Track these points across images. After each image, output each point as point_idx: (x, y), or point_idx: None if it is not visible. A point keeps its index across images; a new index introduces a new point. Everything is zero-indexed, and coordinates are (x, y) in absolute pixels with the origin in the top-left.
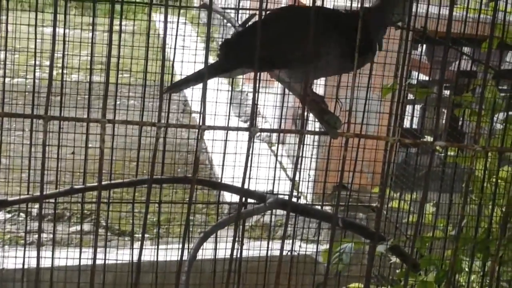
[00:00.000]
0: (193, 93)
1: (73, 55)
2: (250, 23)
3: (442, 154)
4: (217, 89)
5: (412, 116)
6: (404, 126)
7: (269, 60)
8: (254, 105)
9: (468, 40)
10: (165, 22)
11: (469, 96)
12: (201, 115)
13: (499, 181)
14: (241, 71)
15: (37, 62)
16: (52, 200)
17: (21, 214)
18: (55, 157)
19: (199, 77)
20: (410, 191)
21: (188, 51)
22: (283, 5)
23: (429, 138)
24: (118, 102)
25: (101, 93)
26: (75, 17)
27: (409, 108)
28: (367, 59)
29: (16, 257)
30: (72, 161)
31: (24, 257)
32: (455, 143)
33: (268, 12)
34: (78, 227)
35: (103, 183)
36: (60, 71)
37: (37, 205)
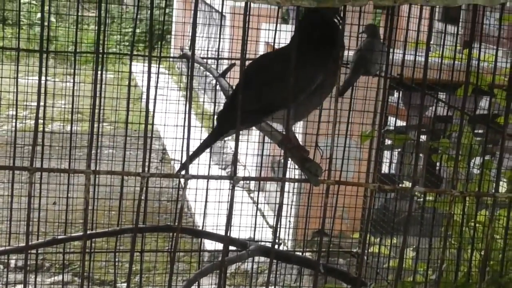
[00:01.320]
0: (169, 142)
1: (53, 106)
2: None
3: (421, 199)
4: (194, 138)
5: (390, 162)
6: (382, 172)
7: (258, 112)
8: (236, 154)
9: (443, 87)
10: (149, 74)
11: (445, 141)
12: (186, 164)
13: (477, 225)
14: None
15: (13, 113)
16: (34, 251)
17: None
18: (36, 208)
19: (205, 146)
20: (390, 236)
21: (166, 100)
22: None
23: (407, 184)
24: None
25: (81, 143)
26: (54, 68)
27: (387, 153)
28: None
29: None
30: (53, 212)
31: None
32: (433, 189)
33: (245, 68)
34: (56, 277)
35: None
36: (39, 121)
37: (15, 256)
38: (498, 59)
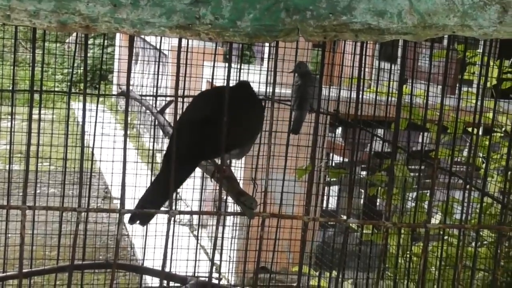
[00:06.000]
0: (113, 180)
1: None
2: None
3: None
4: (136, 174)
5: (328, 197)
6: (325, 207)
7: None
8: (175, 188)
9: (380, 123)
10: (84, 109)
11: (379, 175)
12: (120, 199)
13: (413, 257)
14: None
15: None
16: None
17: None
18: None
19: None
20: (329, 269)
21: (108, 138)
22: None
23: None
24: (38, 191)
25: (21, 182)
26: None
27: (329, 189)
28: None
29: None
30: None
31: None
32: (367, 221)
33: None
34: None
35: (24, 270)
36: None
37: None
38: (434, 94)
